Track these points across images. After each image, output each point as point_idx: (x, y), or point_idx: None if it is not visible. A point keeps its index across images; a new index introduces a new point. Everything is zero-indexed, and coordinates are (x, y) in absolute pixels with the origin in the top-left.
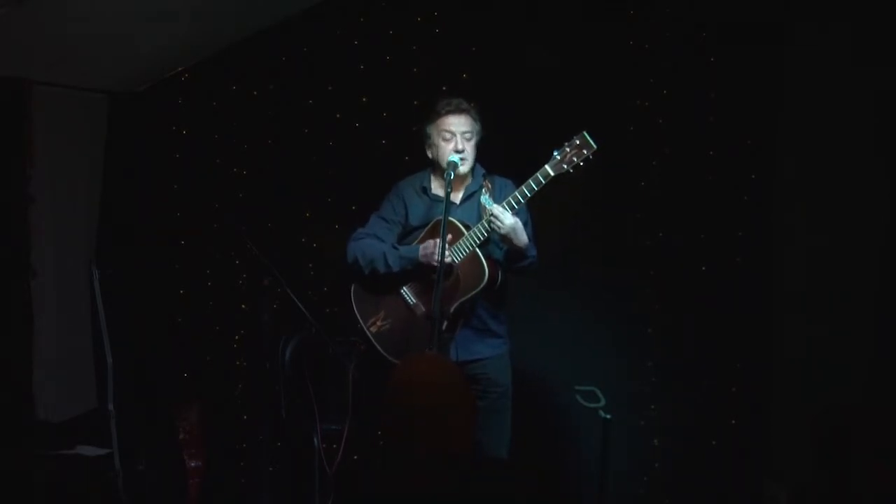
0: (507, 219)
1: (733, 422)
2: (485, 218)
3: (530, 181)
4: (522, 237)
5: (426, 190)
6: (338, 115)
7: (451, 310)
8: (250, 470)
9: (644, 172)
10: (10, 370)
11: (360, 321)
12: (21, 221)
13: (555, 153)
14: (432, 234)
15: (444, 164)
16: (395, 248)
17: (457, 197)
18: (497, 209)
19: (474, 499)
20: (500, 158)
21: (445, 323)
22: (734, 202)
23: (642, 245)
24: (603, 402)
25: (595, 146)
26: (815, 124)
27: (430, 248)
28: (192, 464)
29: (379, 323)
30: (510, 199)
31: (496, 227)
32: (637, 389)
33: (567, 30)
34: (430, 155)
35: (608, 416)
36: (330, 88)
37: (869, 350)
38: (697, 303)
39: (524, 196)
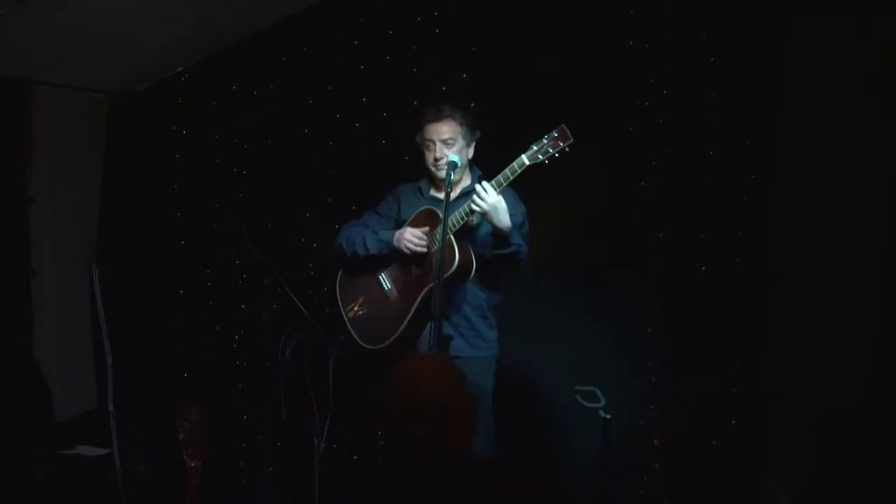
0: (490, 196)
1: (733, 422)
2: (463, 206)
3: (506, 170)
4: (504, 218)
5: (421, 190)
6: (338, 115)
7: (420, 295)
8: (250, 470)
9: (644, 172)
10: (11, 370)
11: (341, 308)
12: (21, 221)
13: (532, 145)
14: (416, 222)
15: (430, 171)
16: (375, 232)
17: (451, 195)
18: (483, 184)
19: (474, 499)
20: (498, 158)
21: (413, 310)
22: (734, 202)
23: (642, 245)
24: (603, 402)
25: (572, 139)
26: (815, 124)
27: (404, 234)
28: (192, 464)
29: (356, 308)
30: (484, 183)
31: (478, 204)
32: (637, 389)
33: (567, 30)
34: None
35: (608, 416)
36: (330, 88)
37: (869, 350)
38: (697, 303)
39: (499, 184)
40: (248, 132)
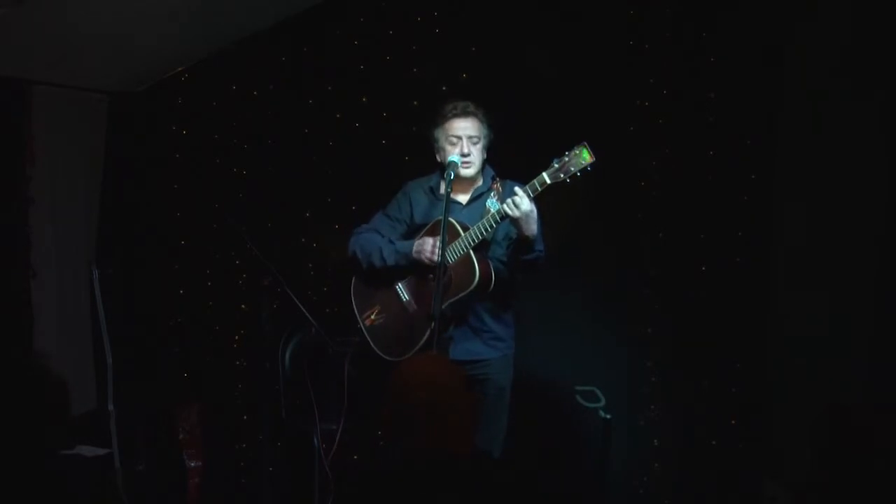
0: (524, 204)
1: (733, 422)
2: (485, 219)
3: (527, 187)
4: (533, 226)
5: (433, 190)
6: (338, 115)
7: (441, 309)
8: (250, 470)
9: (644, 172)
10: (10, 370)
11: (356, 313)
12: (21, 221)
13: (553, 162)
14: (431, 234)
15: (447, 169)
16: (391, 242)
17: (464, 197)
18: (517, 190)
19: (474, 498)
20: (497, 158)
21: (433, 323)
22: (734, 202)
23: (642, 245)
24: (603, 402)
25: (594, 158)
26: (815, 124)
27: (424, 245)
28: (192, 464)
29: (373, 317)
30: (517, 188)
31: (511, 211)
32: (637, 389)
33: (567, 29)
34: (438, 158)
35: (608, 416)
36: (330, 88)
37: (869, 350)
38: (697, 303)
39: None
40: (248, 132)
